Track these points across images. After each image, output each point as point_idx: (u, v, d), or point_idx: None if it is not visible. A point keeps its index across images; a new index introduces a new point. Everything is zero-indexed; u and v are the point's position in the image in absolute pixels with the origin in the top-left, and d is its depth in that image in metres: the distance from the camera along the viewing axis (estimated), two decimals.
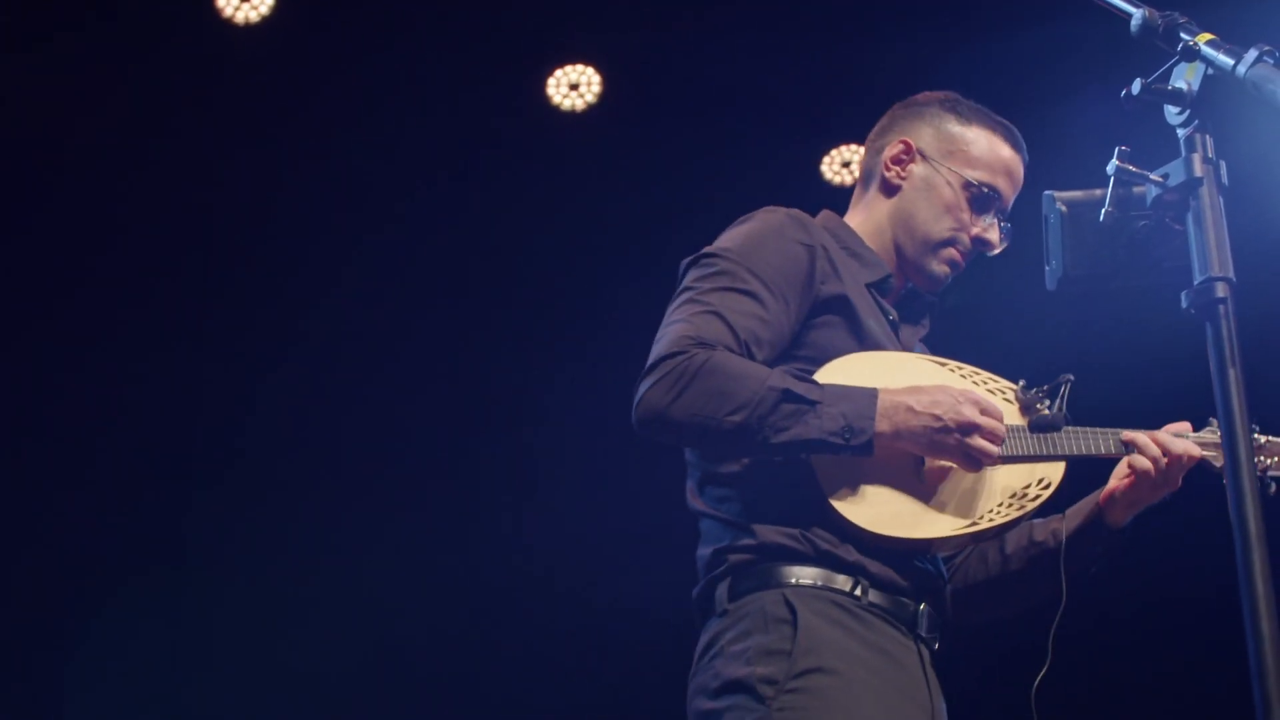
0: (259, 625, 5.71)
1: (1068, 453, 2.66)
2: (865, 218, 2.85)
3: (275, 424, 5.87)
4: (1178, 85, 2.04)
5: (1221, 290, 1.94)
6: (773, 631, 2.46)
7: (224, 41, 5.59)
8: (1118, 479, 2.76)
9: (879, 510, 2.53)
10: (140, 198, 5.69)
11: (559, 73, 5.90)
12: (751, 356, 2.53)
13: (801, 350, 2.62)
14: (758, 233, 2.68)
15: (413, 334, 6.02)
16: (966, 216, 2.79)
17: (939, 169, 2.79)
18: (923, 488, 2.57)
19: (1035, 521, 2.78)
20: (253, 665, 5.65)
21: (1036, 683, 2.61)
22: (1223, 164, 2.02)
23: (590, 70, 5.90)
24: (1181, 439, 2.73)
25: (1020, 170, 2.85)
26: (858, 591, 2.52)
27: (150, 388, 5.79)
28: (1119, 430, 2.72)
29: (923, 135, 2.83)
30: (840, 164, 6.09)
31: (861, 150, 6.09)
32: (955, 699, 2.69)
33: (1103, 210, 2.13)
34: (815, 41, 5.67)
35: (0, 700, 5.48)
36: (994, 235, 2.81)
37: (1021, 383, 2.69)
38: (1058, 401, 2.66)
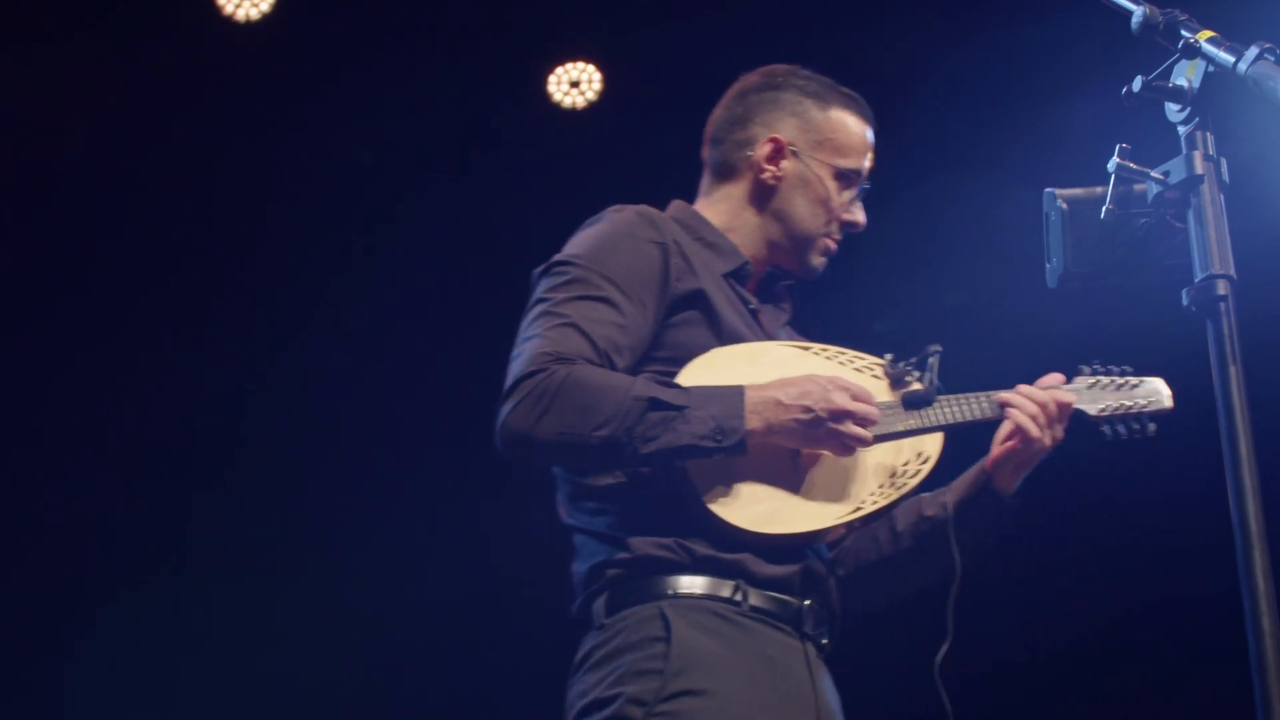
0: (256, 625, 5.70)
1: (943, 423, 2.64)
2: (724, 209, 2.79)
3: (273, 425, 5.86)
4: (1178, 82, 2.04)
5: (1222, 288, 1.94)
6: (646, 649, 2.41)
7: (224, 39, 5.59)
8: (1000, 443, 2.72)
9: (758, 509, 2.48)
10: (140, 195, 5.69)
11: (560, 70, 5.89)
12: (612, 366, 2.47)
13: (661, 351, 2.56)
14: (607, 235, 2.62)
15: (411, 332, 6.02)
16: (836, 204, 2.76)
17: (810, 163, 2.75)
18: (800, 479, 2.53)
19: (924, 496, 2.74)
20: (250, 665, 5.65)
21: (939, 658, 2.55)
22: (1223, 161, 2.02)
23: (591, 68, 5.89)
24: (1050, 390, 2.70)
25: (870, 139, 2.83)
26: (738, 597, 2.47)
27: (150, 386, 5.78)
28: (992, 393, 2.70)
29: (787, 128, 2.77)
30: None
31: None
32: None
33: (1104, 208, 2.13)
34: (815, 38, 5.67)
35: (0, 700, 5.48)
36: (860, 216, 2.79)
37: (888, 357, 2.67)
38: (928, 374, 2.63)
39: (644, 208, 2.68)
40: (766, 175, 2.76)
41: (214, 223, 5.82)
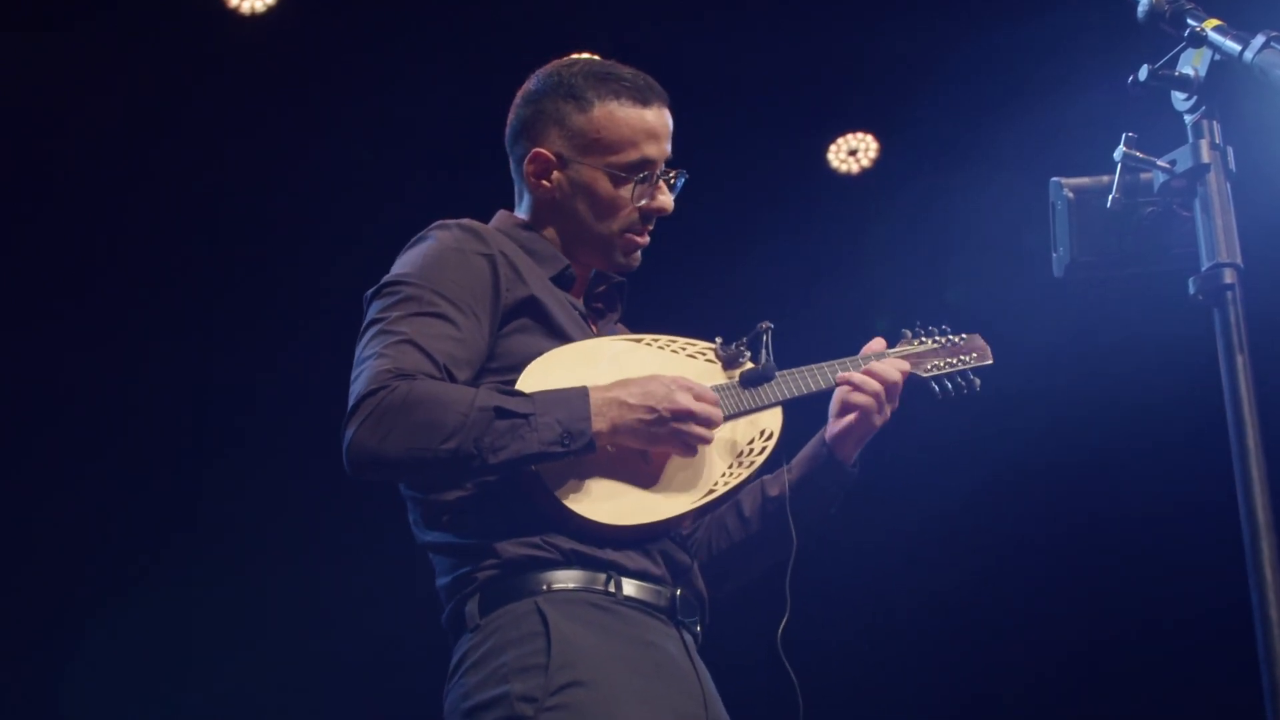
0: (256, 625, 5.69)
1: (783, 398, 2.68)
2: (533, 218, 2.78)
3: (274, 423, 5.85)
4: (1185, 71, 2.04)
5: (1229, 276, 1.94)
6: (526, 644, 2.40)
7: (229, 32, 5.59)
8: (838, 417, 2.76)
9: (616, 502, 2.50)
10: (145, 189, 5.69)
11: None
12: (453, 379, 2.46)
13: (497, 362, 2.55)
14: (435, 252, 2.61)
15: None
16: (628, 199, 2.71)
17: (581, 169, 2.70)
18: (651, 469, 2.55)
19: (766, 478, 2.78)
20: (251, 665, 5.63)
21: (780, 630, 2.59)
22: (1230, 150, 2.02)
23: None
24: (886, 361, 2.77)
25: (661, 117, 2.76)
26: (611, 588, 2.48)
27: (152, 384, 5.78)
28: (834, 362, 2.76)
29: (550, 139, 2.72)
30: (847, 152, 6.07)
31: (867, 138, 6.17)
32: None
33: (1110, 197, 2.13)
34: (820, 30, 5.67)
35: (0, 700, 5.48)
36: (664, 200, 2.74)
37: (718, 340, 2.70)
38: (763, 352, 2.67)
39: (468, 221, 2.68)
40: (540, 192, 2.74)
41: (217, 217, 5.82)
